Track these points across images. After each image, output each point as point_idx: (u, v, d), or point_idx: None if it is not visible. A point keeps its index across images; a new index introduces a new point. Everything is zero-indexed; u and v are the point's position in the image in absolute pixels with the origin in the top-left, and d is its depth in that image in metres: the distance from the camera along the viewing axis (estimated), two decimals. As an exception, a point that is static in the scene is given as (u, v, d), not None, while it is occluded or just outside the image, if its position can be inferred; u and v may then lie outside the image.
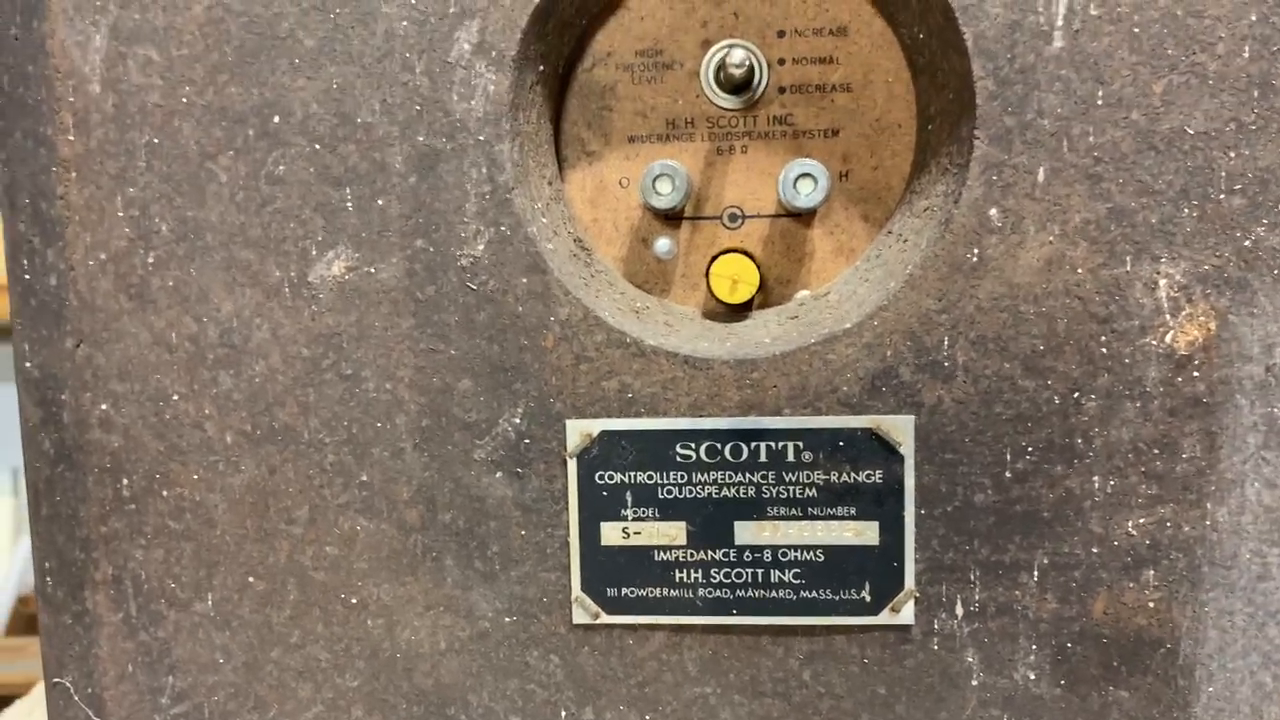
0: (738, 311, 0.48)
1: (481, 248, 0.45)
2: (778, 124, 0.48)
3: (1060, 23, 0.42)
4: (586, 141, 0.48)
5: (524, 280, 0.45)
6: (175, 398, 0.46)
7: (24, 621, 2.08)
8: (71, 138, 0.45)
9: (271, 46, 0.44)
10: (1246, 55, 0.42)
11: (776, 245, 0.48)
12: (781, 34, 0.47)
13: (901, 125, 0.47)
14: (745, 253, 0.48)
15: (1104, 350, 0.44)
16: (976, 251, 0.44)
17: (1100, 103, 0.43)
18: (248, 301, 0.46)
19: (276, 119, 0.45)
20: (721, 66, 0.47)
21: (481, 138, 0.44)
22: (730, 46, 0.46)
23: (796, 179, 0.45)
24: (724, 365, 0.45)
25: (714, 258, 0.48)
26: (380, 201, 0.45)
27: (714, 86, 0.47)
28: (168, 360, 0.46)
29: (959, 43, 0.43)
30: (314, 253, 0.45)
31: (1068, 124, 0.43)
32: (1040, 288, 0.44)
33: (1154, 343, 0.44)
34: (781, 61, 0.47)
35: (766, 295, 0.48)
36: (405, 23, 0.44)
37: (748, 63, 0.44)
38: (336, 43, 0.44)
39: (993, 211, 0.43)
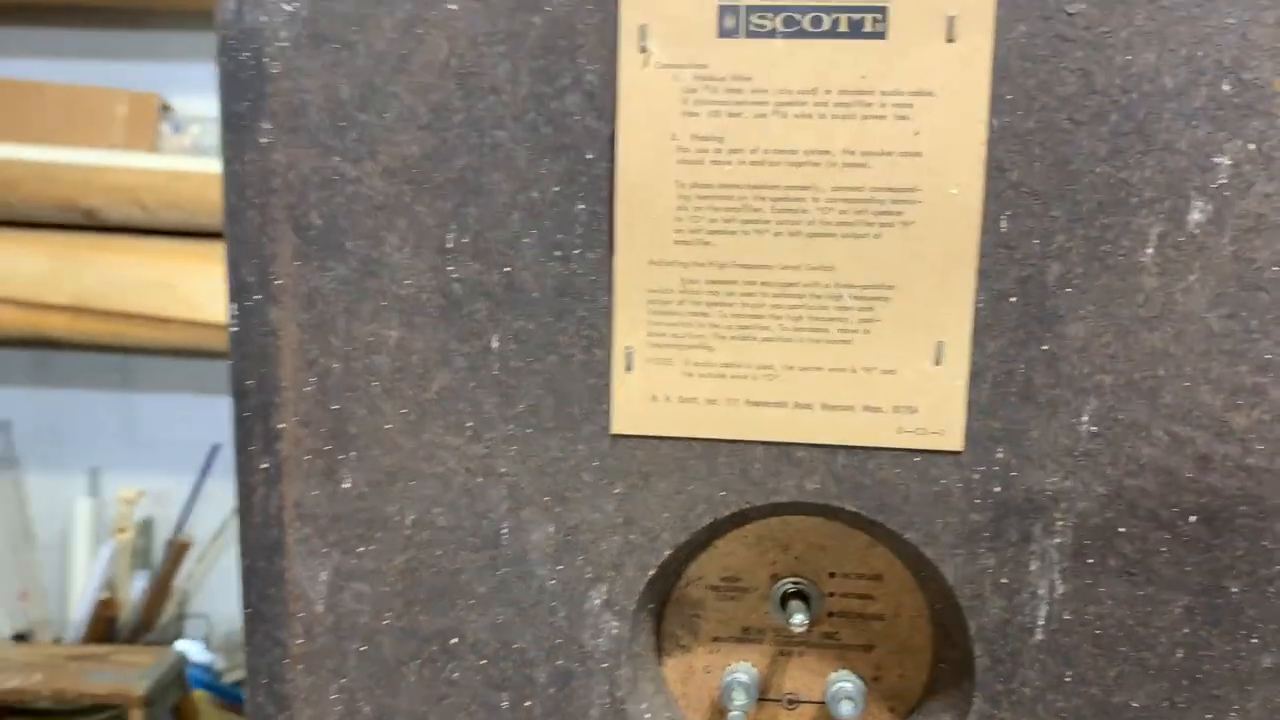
0: (790, 775, 0.63)
1: (601, 739, 0.61)
2: (827, 638, 0.63)
3: (1042, 623, 0.57)
4: (680, 638, 0.63)
5: (631, 765, 0.61)
6: (368, 826, 0.63)
7: (104, 626, 2.26)
8: (300, 641, 0.61)
9: (454, 590, 0.60)
10: (1180, 654, 0.56)
11: (822, 724, 0.64)
12: (832, 574, 0.62)
13: (922, 649, 0.62)
14: (798, 726, 0.64)
15: None
16: (971, 776, 0.59)
17: (1069, 679, 0.57)
18: (426, 765, 0.62)
19: (454, 640, 0.60)
20: (785, 602, 0.62)
21: (605, 665, 0.60)
22: (797, 609, 0.60)
23: (840, 700, 0.60)
24: (778, 837, 0.60)
25: (773, 728, 0.64)
26: (528, 703, 0.61)
27: (778, 609, 0.62)
28: (364, 800, 0.62)
29: (965, 627, 0.58)
30: (476, 736, 0.61)
31: (1043, 692, 0.58)
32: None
33: None
34: (831, 594, 0.62)
35: (812, 760, 0.64)
36: (553, 582, 0.59)
37: (806, 624, 0.59)
38: (502, 591, 0.60)
39: (985, 749, 0.58)
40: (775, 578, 0.62)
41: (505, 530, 0.59)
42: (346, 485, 0.60)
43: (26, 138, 2.16)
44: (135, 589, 2.26)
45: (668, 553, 0.59)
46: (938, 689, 0.61)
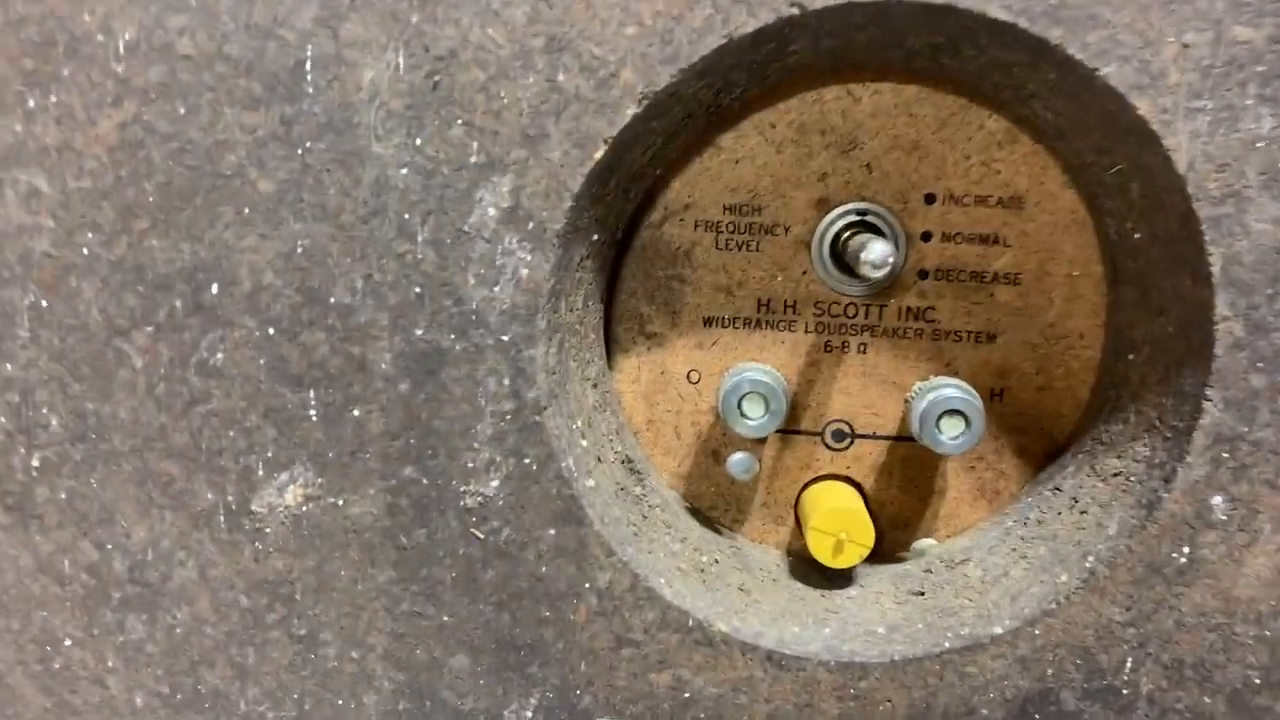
0: (835, 565, 0.35)
1: (495, 484, 0.32)
2: (912, 318, 0.35)
3: (1353, 251, 0.29)
4: (647, 319, 0.35)
5: (551, 531, 0.32)
6: (68, 643, 0.34)
7: None
8: (-75, 289, 0.32)
9: (212, 187, 0.31)
10: None
11: (895, 476, 0.36)
12: (930, 198, 0.34)
13: (1084, 336, 0.34)
14: (851, 481, 0.36)
15: (1345, 694, 0.32)
16: (1187, 550, 0.31)
17: (1393, 366, 0.30)
18: (167, 529, 0.33)
19: (215, 288, 0.31)
20: (843, 242, 0.33)
21: (505, 337, 0.31)
22: (865, 232, 0.32)
23: (940, 416, 0.32)
24: (820, 667, 0.33)
25: (807, 484, 0.36)
26: (356, 412, 0.32)
27: (829, 263, 0.34)
28: (58, 595, 0.34)
29: (1200, 263, 0.30)
30: (260, 472, 0.33)
31: (1343, 391, 0.30)
32: (1266, 605, 0.31)
33: None
34: (926, 236, 0.34)
35: (878, 541, 0.36)
36: (405, 170, 0.30)
37: (889, 263, 0.30)
38: (305, 189, 0.31)
39: (1217, 500, 0.31)
40: (824, 205, 0.34)
41: (309, 62, 0.30)
42: (-4, -33, 0.30)
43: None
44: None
45: (632, 112, 0.30)
46: (1116, 400, 0.33)
